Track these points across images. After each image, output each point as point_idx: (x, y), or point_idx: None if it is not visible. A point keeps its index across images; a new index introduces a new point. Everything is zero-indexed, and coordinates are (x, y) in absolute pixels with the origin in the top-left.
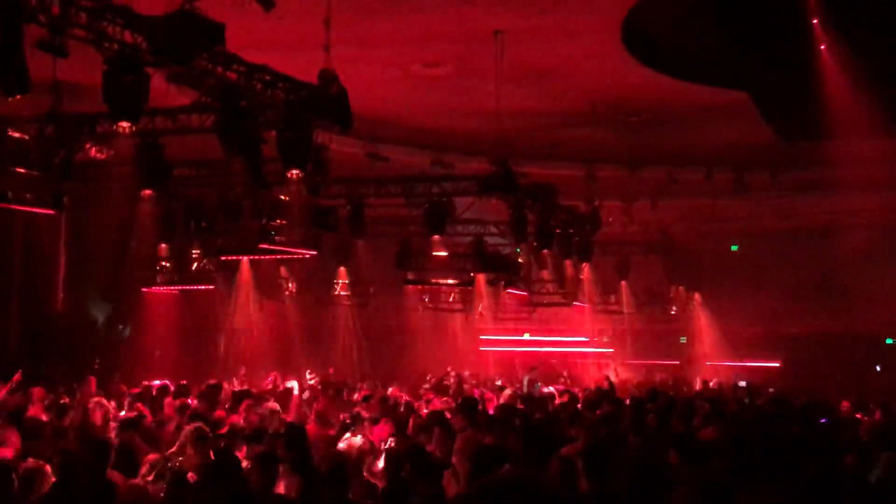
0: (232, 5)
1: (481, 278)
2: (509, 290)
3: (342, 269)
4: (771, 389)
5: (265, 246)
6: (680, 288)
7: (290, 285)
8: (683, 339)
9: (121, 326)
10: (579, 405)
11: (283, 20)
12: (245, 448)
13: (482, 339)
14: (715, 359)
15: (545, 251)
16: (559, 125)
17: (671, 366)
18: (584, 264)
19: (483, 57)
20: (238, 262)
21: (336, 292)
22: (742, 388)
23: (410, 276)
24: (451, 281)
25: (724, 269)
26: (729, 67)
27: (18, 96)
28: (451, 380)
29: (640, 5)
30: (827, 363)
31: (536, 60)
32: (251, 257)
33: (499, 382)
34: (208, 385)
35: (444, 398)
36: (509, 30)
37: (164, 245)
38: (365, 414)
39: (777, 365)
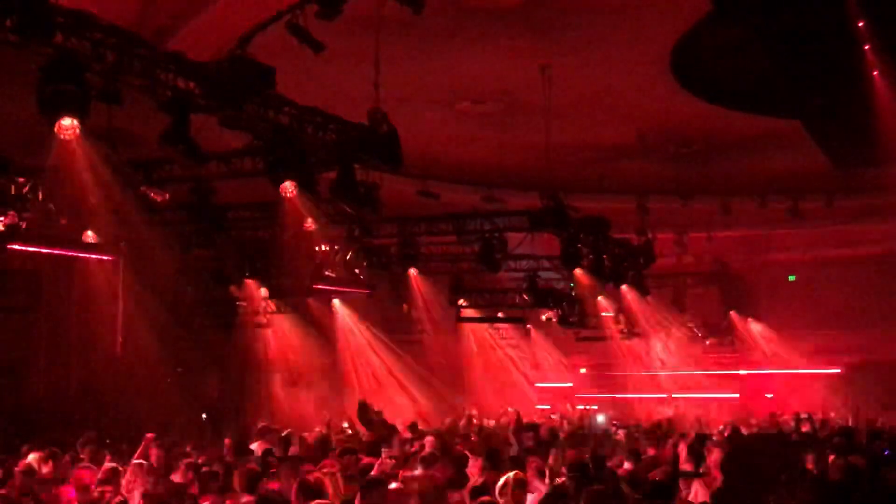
0: (282, 48)
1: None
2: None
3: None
4: (839, 422)
5: (320, 286)
6: (742, 318)
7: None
8: (743, 371)
9: (178, 370)
10: None
11: (333, 62)
12: None
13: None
14: (775, 392)
15: (600, 285)
16: (609, 158)
17: (730, 398)
18: (643, 296)
19: (531, 92)
20: (294, 302)
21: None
22: (804, 419)
23: (463, 313)
24: (502, 318)
25: (782, 299)
26: (780, 96)
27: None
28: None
29: (688, 35)
30: (891, 394)
31: (584, 93)
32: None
33: (555, 416)
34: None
35: None
36: (556, 64)
37: (219, 288)
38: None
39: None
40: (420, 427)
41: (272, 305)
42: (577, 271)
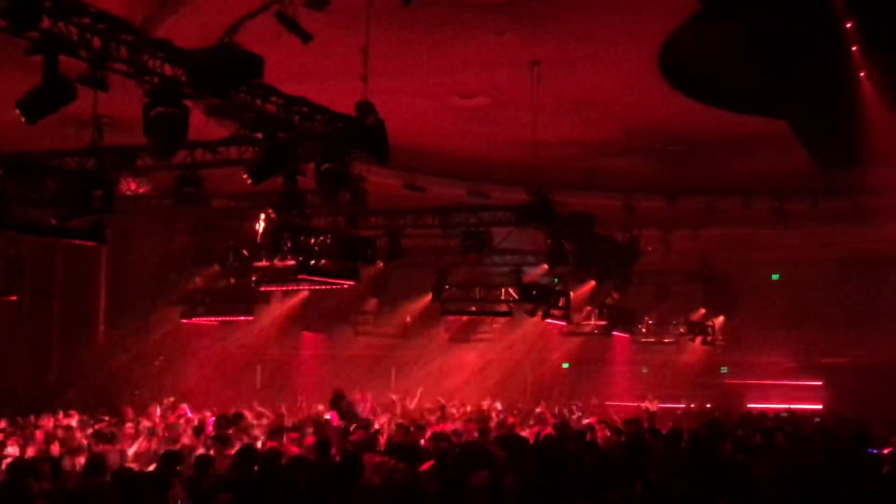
0: (270, 38)
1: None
2: (548, 321)
3: (374, 300)
4: (817, 419)
5: (304, 276)
6: (720, 317)
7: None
8: (724, 370)
9: (161, 357)
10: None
11: (321, 52)
12: None
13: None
14: (755, 390)
15: (583, 281)
16: (596, 155)
17: (710, 395)
18: (623, 293)
19: (520, 87)
20: (275, 292)
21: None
22: (785, 417)
23: (447, 307)
24: (488, 312)
25: (765, 299)
26: (767, 96)
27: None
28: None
29: (677, 34)
30: (871, 395)
31: (573, 90)
32: (288, 288)
33: (538, 410)
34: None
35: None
36: (546, 60)
37: (202, 276)
38: None
39: (819, 407)
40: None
41: (255, 296)
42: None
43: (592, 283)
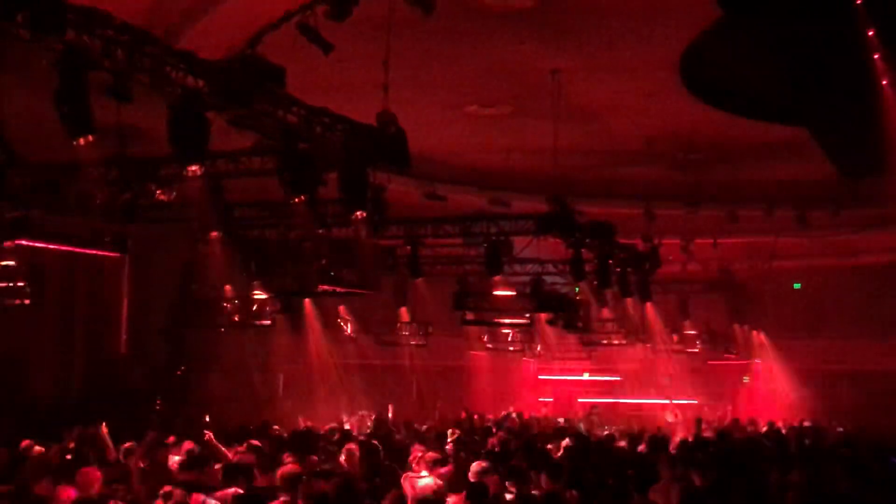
0: (292, 49)
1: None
2: (568, 330)
3: (403, 309)
4: (840, 429)
5: (325, 287)
6: (744, 326)
7: (348, 326)
8: (746, 379)
9: (182, 367)
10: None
11: (342, 63)
12: None
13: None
14: (779, 400)
15: (605, 290)
16: (617, 163)
17: (732, 405)
18: (646, 303)
19: (540, 96)
20: (299, 301)
21: (395, 332)
22: (807, 427)
23: (468, 316)
24: (508, 321)
25: (787, 308)
26: (789, 104)
27: (83, 140)
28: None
29: (697, 42)
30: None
31: (593, 99)
32: (312, 297)
33: (561, 421)
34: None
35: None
36: (566, 69)
37: (226, 286)
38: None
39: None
40: None
41: (277, 305)
42: None
43: (615, 293)
